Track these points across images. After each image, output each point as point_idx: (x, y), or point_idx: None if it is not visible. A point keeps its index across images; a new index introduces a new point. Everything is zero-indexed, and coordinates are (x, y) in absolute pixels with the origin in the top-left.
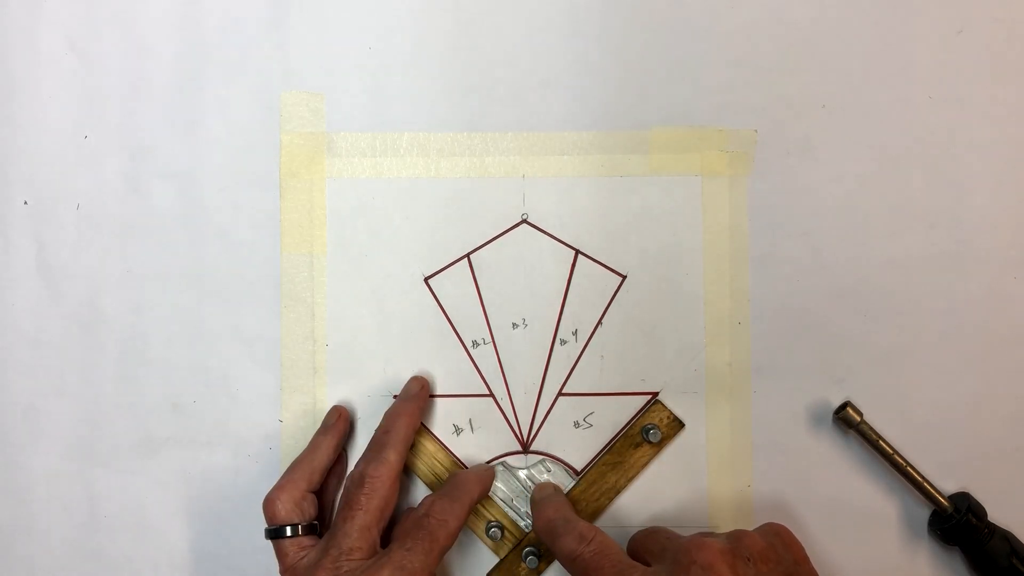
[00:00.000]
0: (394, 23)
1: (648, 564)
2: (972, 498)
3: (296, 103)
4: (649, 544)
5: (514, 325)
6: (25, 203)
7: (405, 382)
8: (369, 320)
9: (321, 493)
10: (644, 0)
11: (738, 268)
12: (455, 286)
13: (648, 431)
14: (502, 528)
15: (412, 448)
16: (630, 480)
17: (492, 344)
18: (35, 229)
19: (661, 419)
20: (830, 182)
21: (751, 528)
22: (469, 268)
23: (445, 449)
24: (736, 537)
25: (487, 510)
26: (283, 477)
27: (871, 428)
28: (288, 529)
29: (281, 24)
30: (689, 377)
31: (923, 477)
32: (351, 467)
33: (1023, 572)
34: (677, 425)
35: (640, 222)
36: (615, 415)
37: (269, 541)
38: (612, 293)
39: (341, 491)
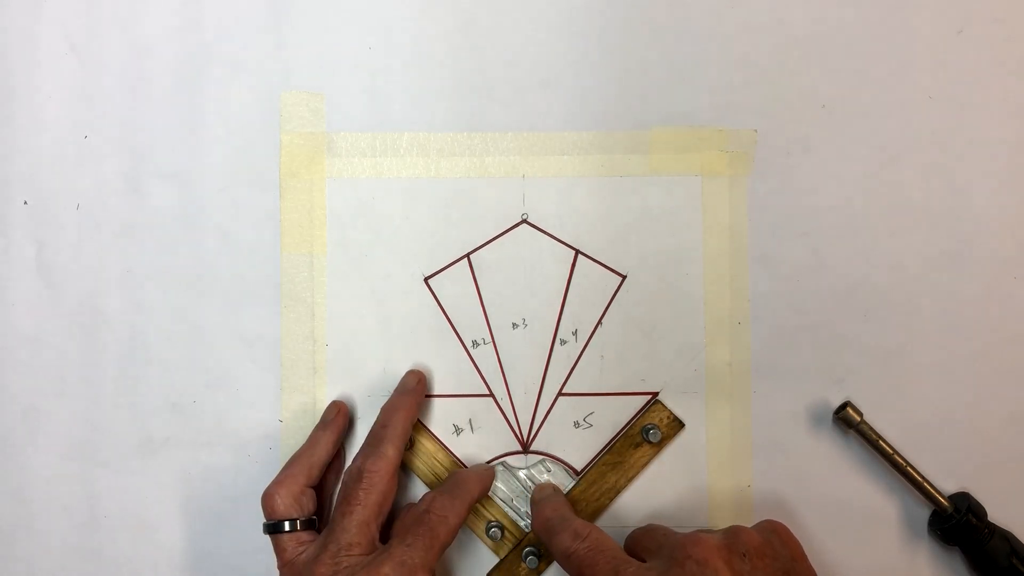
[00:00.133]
0: (394, 23)
1: (644, 560)
2: (972, 498)
3: (296, 103)
4: (646, 541)
5: (514, 325)
6: (25, 203)
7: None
8: (369, 320)
9: (320, 488)
10: (644, 0)
11: (738, 268)
12: (455, 286)
13: (648, 431)
14: (502, 528)
15: (412, 447)
16: (630, 480)
17: (492, 344)
18: (35, 229)
19: (661, 419)
20: (830, 182)
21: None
22: (469, 268)
23: (445, 449)
24: (732, 533)
25: (487, 510)
26: (282, 472)
27: (871, 428)
28: (287, 524)
29: (281, 24)
30: (689, 377)
31: (923, 477)
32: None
33: (1023, 572)
34: (677, 425)
35: (640, 222)
36: (615, 415)
37: (268, 537)
38: (612, 293)
39: (339, 486)
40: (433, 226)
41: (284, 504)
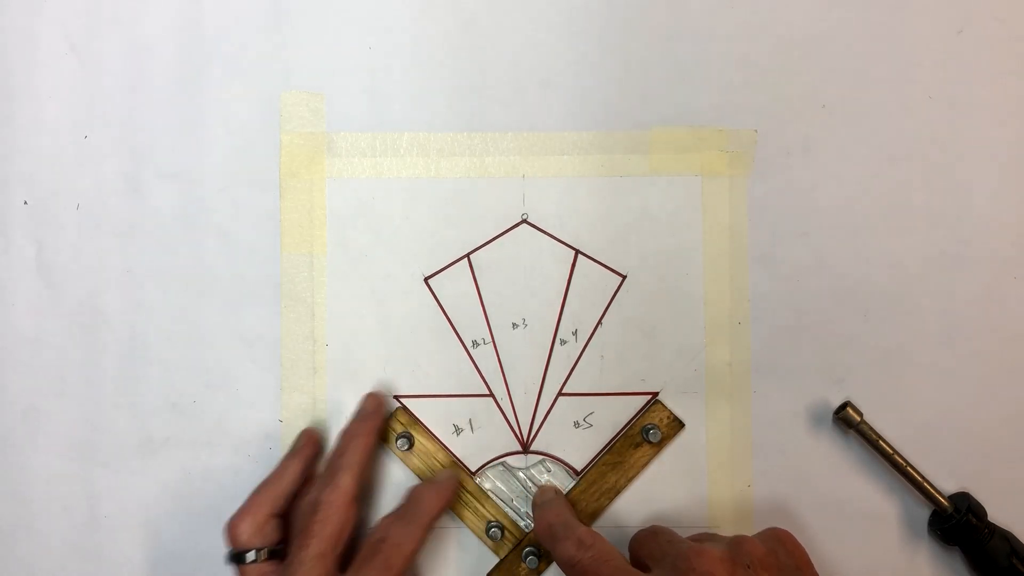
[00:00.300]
0: (394, 23)
1: (648, 567)
2: (972, 498)
3: (296, 103)
4: (650, 547)
5: (514, 325)
6: (25, 203)
7: (404, 382)
8: (369, 320)
9: (287, 516)
10: (644, 0)
11: (738, 268)
12: (455, 286)
13: (648, 431)
14: (502, 528)
15: (411, 447)
16: (630, 480)
17: (492, 344)
18: (35, 229)
19: (661, 419)
20: (830, 182)
21: (753, 531)
22: (469, 268)
23: (445, 449)
24: (736, 543)
25: (487, 510)
26: (247, 501)
27: (871, 428)
28: (251, 554)
29: (281, 24)
30: (689, 377)
31: (923, 477)
32: None
33: (1023, 572)
34: (677, 425)
35: (640, 222)
36: (615, 415)
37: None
38: (612, 293)
39: (297, 517)
40: (433, 226)
41: (247, 534)
